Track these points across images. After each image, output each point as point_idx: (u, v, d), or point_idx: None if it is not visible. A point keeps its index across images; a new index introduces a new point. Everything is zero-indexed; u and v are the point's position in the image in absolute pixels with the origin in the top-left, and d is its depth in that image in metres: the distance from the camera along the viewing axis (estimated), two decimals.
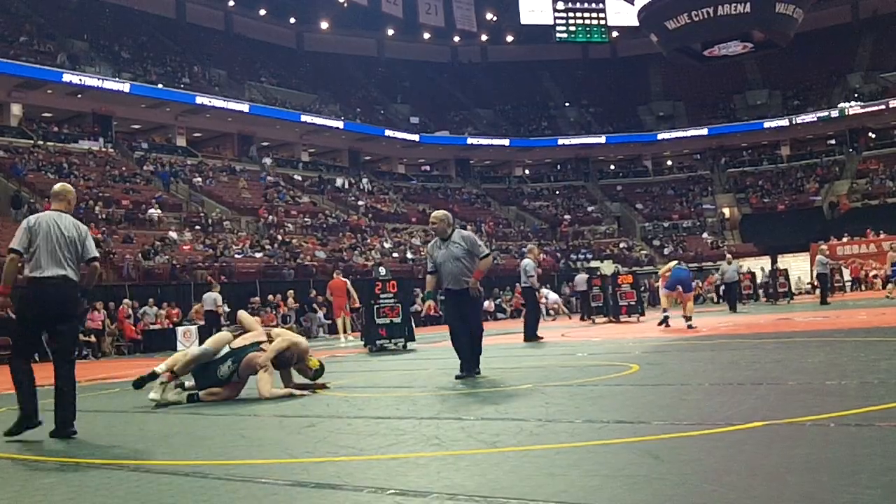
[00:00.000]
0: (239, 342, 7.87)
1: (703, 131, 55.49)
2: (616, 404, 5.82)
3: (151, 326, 24.22)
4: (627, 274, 24.84)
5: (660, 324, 16.02)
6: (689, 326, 15.24)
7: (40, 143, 35.78)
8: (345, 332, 21.09)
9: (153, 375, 7.89)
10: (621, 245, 47.65)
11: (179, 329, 23.99)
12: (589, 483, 3.36)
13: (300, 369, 8.13)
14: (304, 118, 46.53)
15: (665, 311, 16.46)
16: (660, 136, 56.07)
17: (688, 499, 3.02)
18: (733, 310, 22.89)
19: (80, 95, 37.89)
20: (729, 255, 25.20)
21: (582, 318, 25.17)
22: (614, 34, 62.40)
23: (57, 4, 44.90)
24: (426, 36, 60.08)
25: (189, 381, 7.98)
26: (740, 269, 27.09)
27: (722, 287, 27.92)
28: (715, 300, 34.43)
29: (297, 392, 7.67)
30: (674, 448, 3.98)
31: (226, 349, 7.77)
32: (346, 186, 46.68)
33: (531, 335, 15.17)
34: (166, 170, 37.76)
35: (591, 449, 4.10)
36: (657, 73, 61.45)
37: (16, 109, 37.20)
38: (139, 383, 7.98)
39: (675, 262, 17.24)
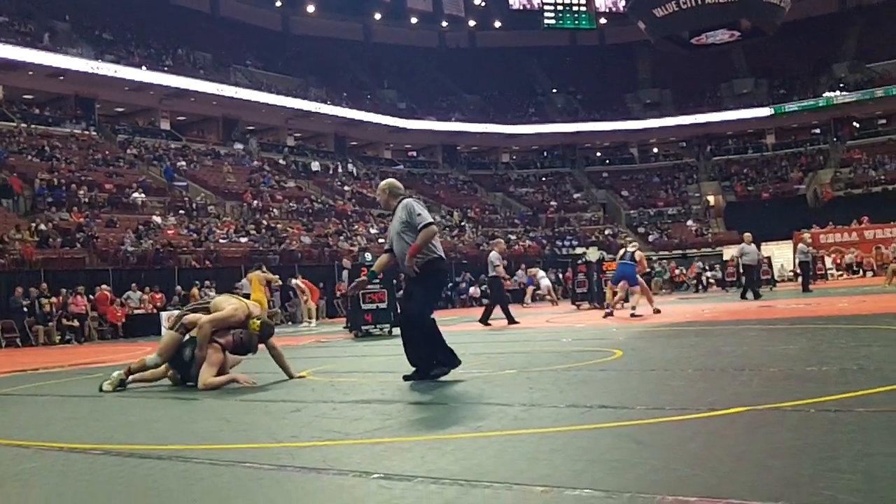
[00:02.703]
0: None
1: (689, 119, 55.64)
2: (600, 389, 5.85)
3: (135, 311, 24.12)
4: (613, 261, 24.89)
5: (604, 316, 16.11)
6: (633, 316, 15.40)
7: (22, 125, 35.47)
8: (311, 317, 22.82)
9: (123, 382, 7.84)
10: (607, 232, 47.81)
11: (164, 314, 23.91)
12: (572, 467, 3.38)
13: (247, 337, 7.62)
14: (289, 102, 46.37)
15: (608, 305, 16.66)
16: (646, 124, 56.18)
17: (670, 483, 3.04)
18: (757, 296, 20.42)
19: (62, 77, 37.58)
20: (748, 235, 22.01)
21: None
22: (602, 21, 62.39)
23: None
24: (414, 21, 59.86)
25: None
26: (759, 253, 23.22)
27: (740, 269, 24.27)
28: (722, 286, 33.68)
29: (242, 378, 7.39)
30: (657, 433, 4.00)
31: (188, 336, 7.71)
32: (323, 171, 46.50)
33: (509, 318, 16.35)
34: (168, 164, 37.37)
35: (574, 434, 4.12)
36: (644, 61, 61.49)
37: None
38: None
39: (622, 252, 17.30)
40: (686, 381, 5.97)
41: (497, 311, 16.87)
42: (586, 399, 5.25)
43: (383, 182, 7.55)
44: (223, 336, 7.50)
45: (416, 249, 6.83)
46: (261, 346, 7.69)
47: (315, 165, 46.41)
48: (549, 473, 3.29)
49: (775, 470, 3.13)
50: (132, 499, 3.41)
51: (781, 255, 36.58)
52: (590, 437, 4.01)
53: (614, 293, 17.26)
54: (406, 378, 6.88)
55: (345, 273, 20.00)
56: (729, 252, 35.38)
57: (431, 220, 7.00)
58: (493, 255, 17.05)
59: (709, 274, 36.40)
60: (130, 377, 7.84)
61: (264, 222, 34.23)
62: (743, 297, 20.70)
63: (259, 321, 7.60)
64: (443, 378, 6.77)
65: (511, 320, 16.35)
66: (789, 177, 51.49)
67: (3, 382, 9.92)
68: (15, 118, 35.97)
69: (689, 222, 48.99)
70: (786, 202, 48.05)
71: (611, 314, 16.02)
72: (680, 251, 43.94)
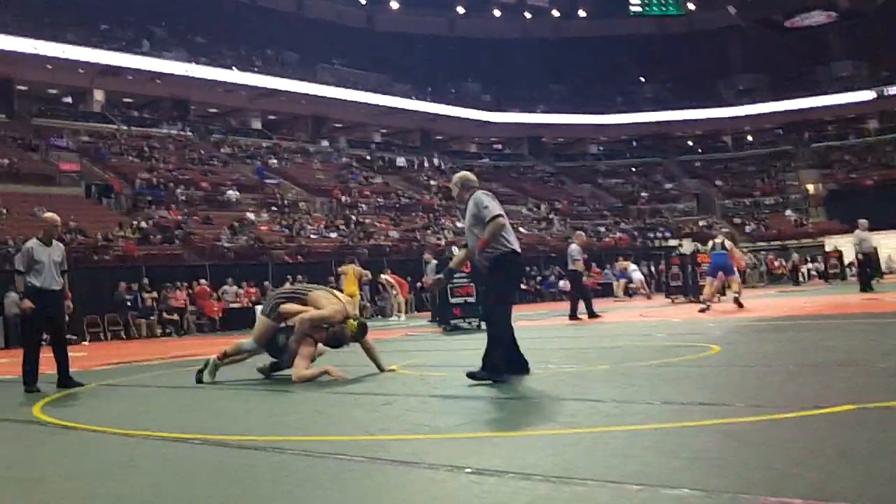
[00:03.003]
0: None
1: (785, 105, 53.93)
2: (696, 385, 5.71)
3: (231, 305, 24.70)
4: (706, 253, 24.35)
5: (701, 311, 15.63)
6: (738, 303, 15.03)
7: (123, 127, 36.75)
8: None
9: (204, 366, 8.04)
10: (701, 223, 46.80)
11: (258, 307, 24.40)
12: (668, 465, 3.29)
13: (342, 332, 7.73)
14: (375, 99, 46.86)
15: (705, 300, 16.08)
16: (739, 111, 54.76)
17: (772, 483, 2.94)
18: (867, 288, 19.35)
19: (158, 81, 38.82)
20: (864, 221, 20.65)
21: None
22: (691, 7, 61.05)
23: None
24: (497, 13, 59.63)
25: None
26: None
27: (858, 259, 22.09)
28: (825, 278, 32.16)
29: (334, 371, 7.44)
30: (757, 431, 3.87)
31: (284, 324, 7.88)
32: (409, 166, 46.82)
33: (591, 312, 16.17)
34: (259, 162, 38.14)
35: (669, 431, 4.03)
36: (736, 46, 59.90)
37: (98, 96, 38.33)
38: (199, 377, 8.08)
39: (711, 244, 16.80)
40: (787, 378, 5.78)
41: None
42: (682, 395, 5.13)
43: (456, 175, 7.36)
44: (318, 332, 7.63)
45: (484, 243, 6.59)
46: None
47: (401, 161, 46.74)
48: (643, 471, 3.21)
49: (883, 470, 3.00)
50: (229, 487, 3.48)
51: (888, 244, 35.13)
52: (686, 435, 3.91)
53: (725, 286, 16.73)
54: (471, 376, 6.53)
55: (428, 267, 20.03)
56: (831, 242, 34.17)
57: (500, 211, 6.66)
58: (574, 249, 16.85)
59: (809, 266, 35.24)
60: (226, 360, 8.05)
61: (353, 217, 34.69)
62: (865, 289, 19.17)
63: (356, 322, 7.70)
64: (533, 373, 6.69)
65: (592, 314, 16.21)
66: (895, 163, 49.41)
67: (107, 374, 10.28)
68: (116, 121, 37.31)
69: (788, 212, 47.55)
70: (891, 189, 46.10)
71: (707, 308, 15.57)
72: (778, 242, 42.70)
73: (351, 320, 7.67)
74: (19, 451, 4.84)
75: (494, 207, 6.63)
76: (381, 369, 7.81)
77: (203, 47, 43.37)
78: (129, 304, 22.28)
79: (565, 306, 18.19)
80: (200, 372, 8.02)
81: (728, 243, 16.51)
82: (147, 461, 4.20)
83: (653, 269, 34.63)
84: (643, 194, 51.53)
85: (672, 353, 8.00)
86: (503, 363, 6.48)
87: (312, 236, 31.27)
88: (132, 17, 42.84)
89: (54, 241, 8.75)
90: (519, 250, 6.82)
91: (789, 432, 3.81)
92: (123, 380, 9.37)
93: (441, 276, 7.47)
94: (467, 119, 51.76)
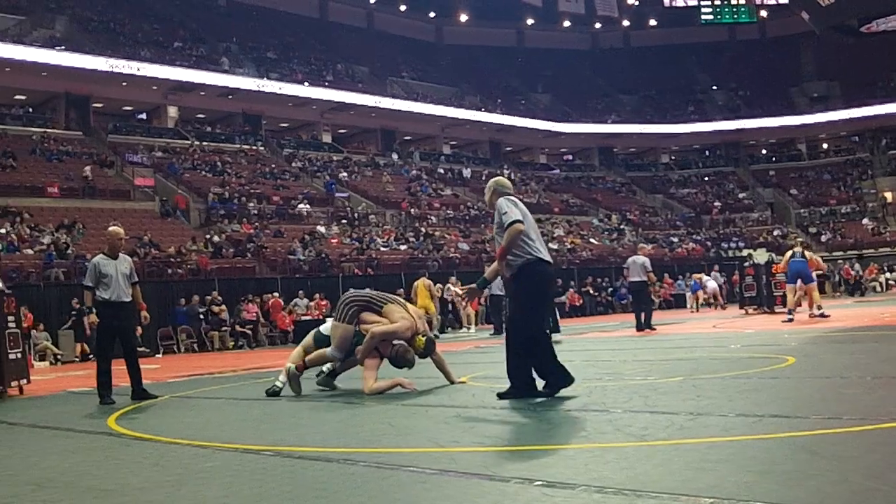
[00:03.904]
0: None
1: (861, 112, 52.47)
2: (771, 398, 5.60)
3: (302, 318, 25.00)
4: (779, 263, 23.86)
5: (785, 321, 15.27)
6: (822, 315, 14.68)
7: (196, 143, 37.61)
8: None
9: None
10: (775, 232, 45.83)
11: (329, 320, 24.63)
12: (742, 478, 3.24)
13: (412, 346, 7.73)
14: (445, 111, 47.15)
15: (789, 310, 15.70)
16: (813, 119, 53.50)
17: (848, 497, 2.87)
18: None
19: (230, 96, 39.64)
20: None
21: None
22: (763, 13, 59.98)
23: (208, 9, 47.08)
24: (566, 24, 59.44)
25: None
26: None
27: None
28: None
29: (406, 382, 7.50)
30: (833, 444, 3.79)
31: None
32: (478, 177, 46.86)
33: (648, 324, 16.43)
34: (332, 180, 38.59)
35: (744, 443, 3.96)
36: (809, 53, 58.63)
37: (172, 112, 39.28)
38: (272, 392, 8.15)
39: (790, 253, 16.44)
40: (864, 390, 5.63)
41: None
42: (757, 407, 5.04)
43: (490, 180, 6.96)
44: (385, 346, 7.67)
45: (501, 252, 6.32)
46: None
47: (466, 172, 46.79)
48: (718, 484, 3.17)
49: None
50: (301, 499, 3.52)
51: None
52: (761, 448, 3.84)
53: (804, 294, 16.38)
54: (500, 396, 6.34)
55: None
56: None
57: (519, 217, 6.23)
58: (645, 260, 16.86)
59: (888, 275, 34.23)
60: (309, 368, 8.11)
61: (422, 229, 34.84)
62: None
63: (424, 338, 7.69)
64: (605, 385, 6.64)
65: (640, 328, 16.41)
66: None
67: (181, 386, 10.50)
68: (189, 136, 38.22)
69: (865, 221, 46.24)
70: None
71: (792, 319, 15.22)
72: (855, 251, 41.55)
73: (419, 336, 7.68)
74: (95, 462, 4.96)
75: (514, 213, 6.26)
76: (452, 381, 7.83)
77: (274, 63, 44.17)
78: (201, 316, 22.74)
79: (610, 318, 18.11)
80: (273, 391, 8.02)
81: (808, 252, 16.21)
82: (220, 472, 4.28)
83: (724, 279, 33.98)
84: (716, 204, 50.69)
85: (746, 364, 7.86)
86: (528, 377, 6.25)
87: (382, 249, 31.51)
88: (204, 34, 43.90)
89: (121, 255, 8.93)
90: (547, 258, 6.45)
91: (866, 445, 3.72)
92: (196, 392, 9.56)
93: (474, 285, 7.09)
94: (537, 130, 51.63)
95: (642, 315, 16.66)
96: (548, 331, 14.76)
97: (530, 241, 6.32)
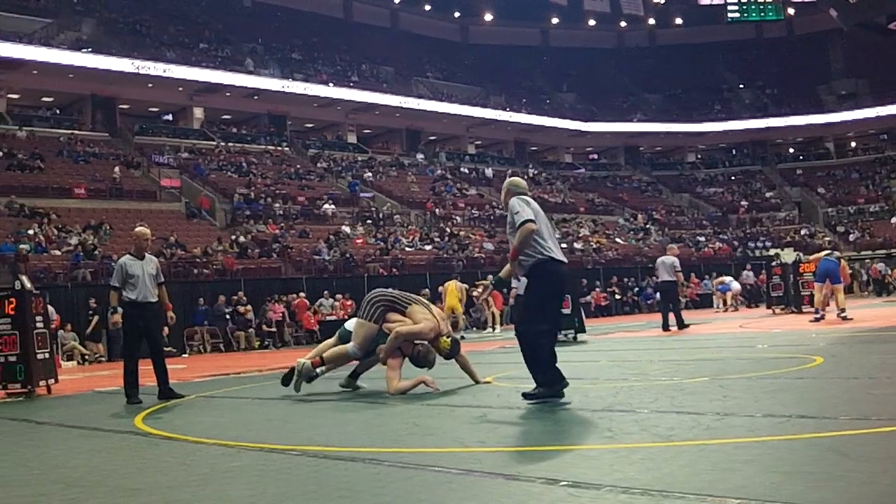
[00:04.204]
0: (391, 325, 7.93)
1: (889, 110, 51.85)
2: (798, 398, 5.55)
3: (327, 318, 25.08)
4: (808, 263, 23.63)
5: (813, 320, 15.10)
6: (844, 318, 14.52)
7: (221, 144, 37.83)
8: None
9: (292, 372, 8.23)
10: (802, 232, 45.41)
11: (354, 319, 24.68)
12: (769, 479, 3.21)
13: (436, 347, 7.78)
14: (470, 111, 47.15)
15: (817, 309, 15.52)
16: (841, 117, 52.96)
17: (876, 498, 2.84)
18: None
19: (256, 97, 39.85)
20: None
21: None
22: (790, 11, 59.45)
23: (232, 10, 47.33)
24: (591, 22, 59.22)
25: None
26: None
27: None
28: None
29: (429, 381, 7.50)
30: (861, 445, 3.75)
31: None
32: (502, 177, 46.76)
33: (681, 323, 16.39)
34: (356, 181, 38.66)
35: (771, 444, 3.93)
36: (837, 50, 58.04)
37: (198, 113, 39.53)
38: (286, 380, 8.30)
39: (826, 252, 16.30)
40: (894, 390, 5.58)
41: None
42: (784, 408, 4.99)
43: (505, 181, 6.88)
44: (408, 346, 7.69)
45: (514, 252, 6.27)
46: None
47: (489, 172, 46.71)
48: (744, 485, 3.14)
49: None
50: (326, 498, 3.53)
51: None
52: (788, 449, 3.81)
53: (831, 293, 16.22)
54: (525, 396, 6.19)
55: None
56: None
57: (530, 217, 6.16)
58: (675, 260, 16.86)
59: None
60: (325, 367, 8.16)
61: (447, 230, 34.84)
62: None
63: (449, 339, 7.72)
64: (631, 385, 6.60)
65: (667, 327, 16.39)
66: None
67: (207, 386, 10.57)
68: (215, 137, 38.46)
69: (894, 220, 45.68)
70: None
71: (822, 318, 15.07)
72: (884, 251, 41.06)
73: (444, 338, 7.69)
74: (122, 462, 5.01)
75: (525, 213, 6.19)
76: (476, 381, 7.83)
77: (299, 63, 44.34)
78: (227, 316, 22.87)
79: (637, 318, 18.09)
80: (288, 378, 8.20)
81: (844, 262, 16.08)
82: (246, 472, 4.30)
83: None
84: (743, 203, 50.30)
85: (773, 364, 7.80)
86: (555, 376, 6.13)
87: (407, 249, 31.54)
88: (229, 35, 44.15)
89: (147, 255, 9.01)
90: (560, 258, 6.35)
91: (895, 446, 3.68)
92: (222, 391, 9.61)
93: (489, 283, 7.15)
94: (562, 129, 51.49)
95: (671, 315, 16.62)
96: (565, 331, 14.79)
97: (543, 240, 6.26)
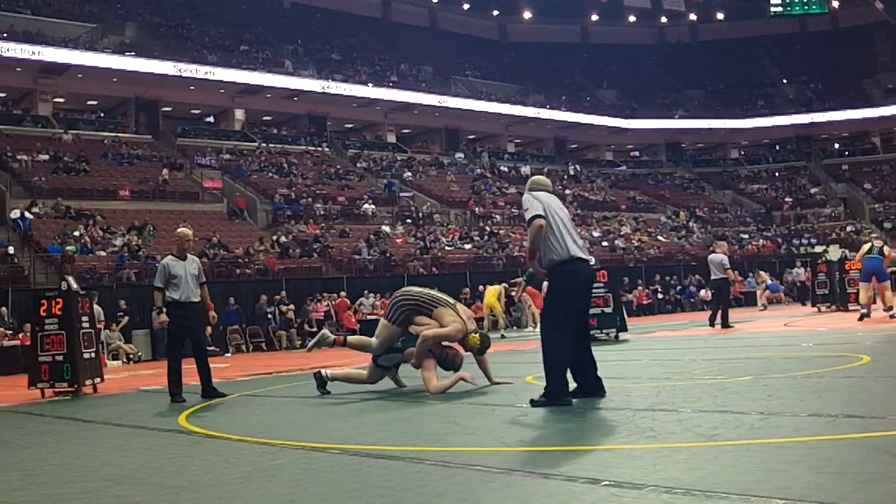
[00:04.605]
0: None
1: None
2: (844, 397, 5.46)
3: (368, 317, 25.19)
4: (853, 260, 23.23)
5: (860, 319, 14.83)
6: (892, 316, 14.25)
7: (262, 145, 38.18)
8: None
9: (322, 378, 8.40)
10: (848, 228, 44.67)
11: None
12: (814, 480, 3.16)
13: (466, 346, 7.87)
14: (509, 109, 47.08)
15: (863, 306, 15.23)
16: (888, 111, 51.98)
17: None
18: None
19: (296, 98, 40.16)
20: None
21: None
22: (834, 4, 58.53)
23: (272, 12, 47.74)
24: (631, 19, 58.86)
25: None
26: None
27: None
28: None
29: (468, 377, 7.53)
30: None
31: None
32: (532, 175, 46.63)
33: (726, 322, 16.13)
34: (394, 180, 38.74)
35: (816, 444, 3.87)
36: (883, 43, 56.96)
37: (239, 114, 39.92)
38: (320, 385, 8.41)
39: (867, 247, 15.92)
40: None
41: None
42: (830, 407, 4.92)
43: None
44: (437, 347, 7.74)
45: (529, 252, 6.10)
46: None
47: (525, 170, 46.54)
48: (789, 485, 3.10)
49: None
50: (369, 497, 3.54)
51: None
52: (834, 448, 3.75)
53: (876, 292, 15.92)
54: (532, 403, 6.03)
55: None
56: None
57: (539, 212, 5.96)
58: (724, 258, 16.73)
59: None
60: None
61: (487, 228, 34.82)
62: None
63: (479, 335, 7.79)
64: (673, 384, 6.54)
65: (713, 324, 16.36)
66: None
67: (248, 384, 10.66)
68: (255, 138, 38.82)
69: None
70: None
71: (867, 315, 14.82)
72: None
73: (473, 335, 7.74)
74: (166, 460, 5.07)
75: (534, 208, 5.99)
76: (491, 381, 7.85)
77: (338, 64, 44.59)
78: (269, 316, 23.08)
79: (706, 316, 17.87)
80: (321, 384, 8.36)
81: (886, 248, 15.75)
82: (287, 470, 4.33)
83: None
84: (787, 200, 49.61)
85: (819, 363, 7.68)
86: (564, 386, 5.97)
87: (447, 248, 31.57)
88: (269, 37, 44.54)
89: (189, 255, 9.13)
90: (582, 255, 6.13)
91: None
92: (264, 390, 9.69)
93: (522, 280, 7.03)
94: (602, 126, 51.19)
95: (719, 313, 16.51)
96: (606, 329, 14.67)
97: (560, 236, 6.05)
